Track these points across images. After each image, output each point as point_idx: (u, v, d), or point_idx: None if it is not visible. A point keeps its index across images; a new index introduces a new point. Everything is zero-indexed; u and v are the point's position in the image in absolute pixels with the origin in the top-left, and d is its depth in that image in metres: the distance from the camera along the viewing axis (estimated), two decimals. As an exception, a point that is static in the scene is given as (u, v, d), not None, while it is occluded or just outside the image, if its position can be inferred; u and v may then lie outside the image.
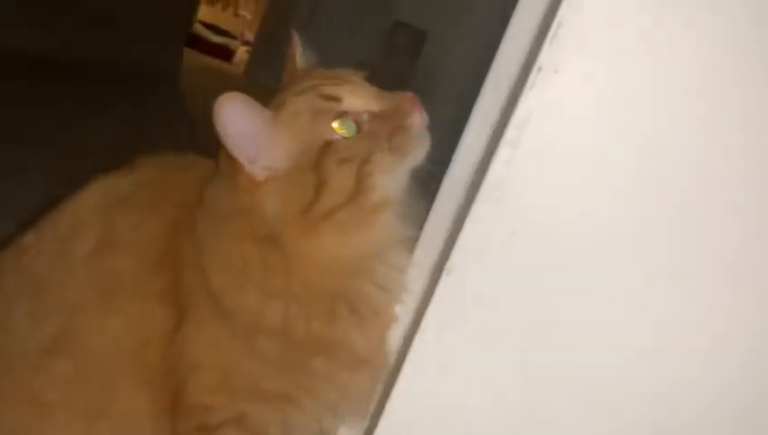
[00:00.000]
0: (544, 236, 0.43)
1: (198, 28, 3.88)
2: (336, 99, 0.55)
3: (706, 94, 0.41)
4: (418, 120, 0.56)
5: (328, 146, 0.54)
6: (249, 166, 0.55)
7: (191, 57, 3.47)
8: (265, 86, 3.54)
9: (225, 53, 3.97)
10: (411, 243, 0.58)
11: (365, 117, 0.56)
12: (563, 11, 0.39)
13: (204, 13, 4.16)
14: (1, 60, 2.05)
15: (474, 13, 1.70)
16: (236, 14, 4.45)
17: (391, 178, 0.56)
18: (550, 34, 0.39)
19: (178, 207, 0.61)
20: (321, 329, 0.56)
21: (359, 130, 0.55)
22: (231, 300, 0.56)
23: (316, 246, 0.56)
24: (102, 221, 0.61)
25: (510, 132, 0.42)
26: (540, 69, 0.41)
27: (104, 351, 0.58)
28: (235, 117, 0.53)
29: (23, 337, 0.59)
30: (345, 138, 0.55)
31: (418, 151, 0.56)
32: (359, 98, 0.56)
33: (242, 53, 4.05)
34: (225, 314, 0.57)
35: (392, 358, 0.57)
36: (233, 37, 4.19)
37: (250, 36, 4.13)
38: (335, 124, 0.55)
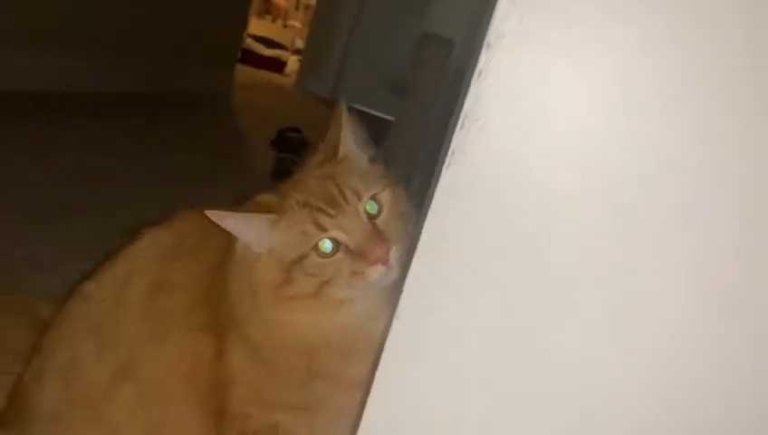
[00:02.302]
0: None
1: (249, 43, 4.02)
2: (323, 229, 0.64)
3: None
4: (377, 273, 0.64)
5: (303, 258, 0.65)
6: (255, 246, 0.67)
7: (243, 73, 3.61)
8: (316, 94, 3.66)
9: (277, 65, 4.10)
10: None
11: (342, 246, 0.65)
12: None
13: (254, 26, 4.29)
14: (78, 99, 2.25)
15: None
16: (285, 25, 4.58)
17: (352, 292, 0.65)
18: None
19: (216, 252, 0.72)
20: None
21: (335, 251, 0.65)
22: (243, 329, 0.69)
23: (280, 318, 0.67)
24: (153, 268, 0.74)
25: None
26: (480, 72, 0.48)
27: (160, 375, 0.72)
28: (243, 228, 0.67)
29: (89, 370, 0.72)
30: (319, 256, 0.65)
31: (378, 286, 0.65)
32: (341, 232, 0.65)
33: (293, 63, 4.17)
34: (244, 340, 0.70)
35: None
36: (284, 48, 4.32)
37: (301, 45, 4.23)
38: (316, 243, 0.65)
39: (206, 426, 0.72)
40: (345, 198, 0.65)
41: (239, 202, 0.72)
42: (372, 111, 3.25)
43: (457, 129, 0.50)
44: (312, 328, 0.67)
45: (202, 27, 2.94)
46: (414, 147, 1.67)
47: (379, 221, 0.66)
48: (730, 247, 0.49)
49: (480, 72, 0.49)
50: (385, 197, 0.67)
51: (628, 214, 0.49)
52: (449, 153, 0.51)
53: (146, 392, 0.71)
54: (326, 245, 0.65)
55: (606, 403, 0.54)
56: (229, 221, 0.65)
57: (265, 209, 0.66)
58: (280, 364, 0.68)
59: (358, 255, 0.65)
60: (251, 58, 3.93)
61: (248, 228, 0.66)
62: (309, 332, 0.67)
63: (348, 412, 0.71)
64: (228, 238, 0.71)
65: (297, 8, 4.73)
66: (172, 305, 0.72)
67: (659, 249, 0.49)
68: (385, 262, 0.64)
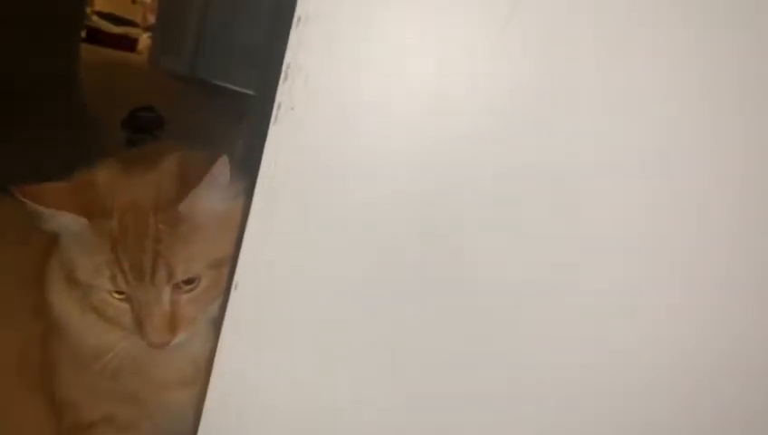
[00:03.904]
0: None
1: (95, 20, 3.77)
2: (117, 288, 0.60)
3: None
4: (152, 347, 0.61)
5: (90, 287, 0.61)
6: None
7: (91, 53, 3.39)
8: (170, 72, 3.50)
9: (128, 43, 3.87)
10: None
11: (132, 304, 0.61)
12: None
13: (100, 2, 4.04)
14: None
15: None
16: (134, 1, 4.33)
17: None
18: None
19: (46, 235, 0.66)
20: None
21: (123, 300, 0.60)
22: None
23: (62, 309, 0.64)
24: None
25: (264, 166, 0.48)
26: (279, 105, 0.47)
27: None
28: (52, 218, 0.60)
29: None
30: (106, 294, 0.60)
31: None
32: (135, 300, 0.60)
33: (146, 41, 3.95)
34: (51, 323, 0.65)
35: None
36: (134, 25, 4.09)
37: (153, 20, 4.03)
38: None
39: (44, 417, 0.66)
40: (153, 277, 0.58)
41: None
42: (232, 87, 3.15)
43: (281, 81, 0.47)
44: (97, 340, 0.63)
45: (38, 3, 2.71)
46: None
47: (185, 298, 0.60)
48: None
49: (299, 19, 0.46)
50: (205, 279, 0.60)
51: (465, 171, 0.48)
52: (275, 108, 0.48)
53: None
54: (114, 295, 0.60)
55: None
56: (38, 209, 0.57)
57: (82, 205, 0.58)
58: (83, 357, 0.64)
59: (139, 326, 0.60)
60: (98, 37, 3.68)
61: (53, 218, 0.59)
62: (90, 340, 0.64)
63: (178, 410, 0.68)
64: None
65: (146, -18, 4.47)
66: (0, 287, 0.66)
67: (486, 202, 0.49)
68: (163, 347, 0.60)
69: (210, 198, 0.58)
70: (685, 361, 0.49)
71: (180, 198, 0.58)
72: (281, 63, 0.47)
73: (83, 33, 3.24)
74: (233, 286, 0.52)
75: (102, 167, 0.62)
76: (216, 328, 0.66)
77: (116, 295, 0.59)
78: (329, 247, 0.49)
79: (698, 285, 0.47)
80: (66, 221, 0.58)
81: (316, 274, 0.50)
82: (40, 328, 0.66)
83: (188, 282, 0.59)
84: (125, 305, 0.59)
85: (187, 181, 0.58)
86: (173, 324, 0.59)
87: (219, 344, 0.51)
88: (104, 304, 0.60)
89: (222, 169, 0.57)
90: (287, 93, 0.47)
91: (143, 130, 2.06)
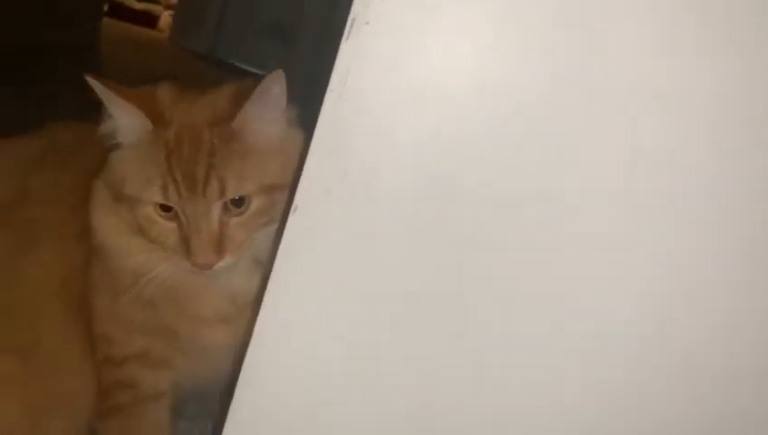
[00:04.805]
0: (376, 174, 0.48)
1: (118, -5, 3.78)
2: (166, 199, 0.60)
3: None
4: (196, 268, 0.60)
5: (137, 202, 0.61)
6: (120, 135, 0.63)
7: (114, 27, 3.39)
8: (192, 51, 3.49)
9: (150, 20, 3.88)
10: None
11: (179, 221, 0.60)
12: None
13: (123, -21, 4.03)
14: None
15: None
16: (157, -22, 4.32)
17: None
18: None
19: (90, 162, 0.66)
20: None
21: (170, 218, 0.60)
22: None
23: (104, 233, 0.65)
24: (13, 179, 0.68)
25: (333, 82, 0.46)
26: (353, 20, 0.45)
27: (28, 289, 0.65)
28: (117, 111, 0.62)
29: None
30: (153, 211, 0.60)
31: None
32: (183, 215, 0.59)
33: (167, 18, 3.96)
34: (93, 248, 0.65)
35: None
36: (156, 2, 4.09)
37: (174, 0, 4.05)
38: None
39: (85, 346, 0.65)
40: (205, 189, 0.58)
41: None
42: (251, 69, 3.13)
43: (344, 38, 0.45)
44: (137, 263, 0.63)
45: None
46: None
47: (234, 220, 0.60)
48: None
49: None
50: (256, 201, 0.60)
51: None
52: (348, 24, 0.46)
53: (10, 311, 0.63)
54: (160, 212, 0.60)
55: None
56: (107, 97, 0.58)
57: (150, 109, 0.59)
58: (121, 283, 0.62)
59: (186, 244, 0.59)
60: (120, 11, 3.68)
61: (121, 115, 0.59)
62: (131, 262, 0.63)
63: (214, 347, 0.66)
64: (100, 150, 0.64)
65: (169, -39, 4.47)
66: (40, 215, 0.64)
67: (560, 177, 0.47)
68: (208, 268, 0.59)
69: (262, 116, 0.59)
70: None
71: (234, 114, 0.58)
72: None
73: (105, 7, 3.24)
74: (291, 210, 0.51)
75: (161, 85, 0.62)
76: (259, 266, 0.65)
77: (162, 214, 0.58)
78: (393, 171, 0.48)
79: None
80: (130, 122, 0.58)
81: (378, 200, 0.48)
82: (83, 255, 0.66)
83: (238, 204, 0.58)
84: (171, 224, 0.59)
85: (242, 99, 0.59)
86: (220, 246, 0.58)
87: (274, 267, 0.50)
88: (150, 222, 0.59)
89: (274, 82, 0.57)
90: (363, 8, 0.45)
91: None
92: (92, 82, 0.57)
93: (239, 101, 0.59)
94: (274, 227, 0.60)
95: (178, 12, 3.69)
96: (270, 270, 0.61)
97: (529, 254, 0.47)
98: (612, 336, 0.49)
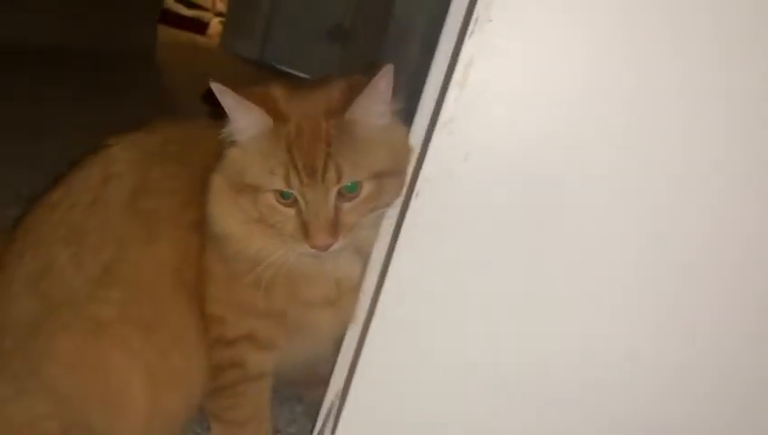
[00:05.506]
0: (494, 159, 0.51)
1: (170, 3, 3.88)
2: (288, 186, 0.63)
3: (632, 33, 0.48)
4: (314, 250, 0.64)
5: (258, 190, 0.65)
6: (238, 133, 0.66)
7: (166, 33, 3.49)
8: (241, 56, 3.58)
9: (199, 26, 3.98)
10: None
11: (297, 207, 0.64)
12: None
13: (173, -13, 4.14)
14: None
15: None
16: (206, -15, 4.43)
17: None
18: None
19: (204, 156, 0.71)
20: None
21: (290, 204, 0.64)
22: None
23: (226, 223, 0.69)
24: (135, 172, 0.72)
25: (456, 74, 0.50)
26: (476, 19, 0.49)
27: (151, 274, 0.70)
28: (238, 112, 0.64)
29: (69, 277, 0.68)
30: (274, 198, 0.65)
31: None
32: (302, 200, 0.64)
33: (216, 25, 4.05)
34: (211, 237, 0.69)
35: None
36: (205, 9, 4.19)
37: (222, 7, 4.13)
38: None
39: (199, 326, 0.70)
40: (324, 176, 0.62)
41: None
42: (299, 73, 3.19)
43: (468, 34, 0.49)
44: (256, 249, 0.67)
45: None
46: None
47: (346, 205, 0.64)
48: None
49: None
50: (367, 186, 0.64)
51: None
52: (471, 22, 0.50)
53: (136, 292, 0.68)
54: (286, 193, 0.64)
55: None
56: (229, 99, 0.62)
57: (269, 107, 0.63)
58: (239, 268, 0.67)
59: (304, 228, 0.63)
60: (171, 18, 3.78)
61: (242, 115, 0.63)
62: (250, 248, 0.67)
63: (318, 329, 0.71)
64: (213, 143, 0.69)
65: (216, -31, 4.57)
66: (161, 206, 0.70)
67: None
68: (324, 250, 0.64)
69: (371, 108, 0.64)
70: None
71: (347, 106, 0.63)
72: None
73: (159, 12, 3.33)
74: (413, 195, 0.55)
75: (273, 85, 0.66)
76: (360, 254, 0.69)
77: (282, 201, 0.62)
78: (510, 159, 0.51)
79: None
80: (252, 121, 0.62)
81: (497, 185, 0.52)
82: (196, 245, 0.70)
83: (350, 190, 0.63)
84: (290, 211, 0.63)
85: (353, 92, 0.63)
86: (335, 229, 0.63)
87: (397, 245, 0.54)
88: (270, 209, 0.63)
89: (383, 77, 0.61)
90: (485, 7, 0.49)
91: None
92: (217, 87, 0.61)
93: (351, 94, 0.63)
94: (379, 212, 0.64)
95: (228, 19, 3.80)
96: (370, 257, 0.66)
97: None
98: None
